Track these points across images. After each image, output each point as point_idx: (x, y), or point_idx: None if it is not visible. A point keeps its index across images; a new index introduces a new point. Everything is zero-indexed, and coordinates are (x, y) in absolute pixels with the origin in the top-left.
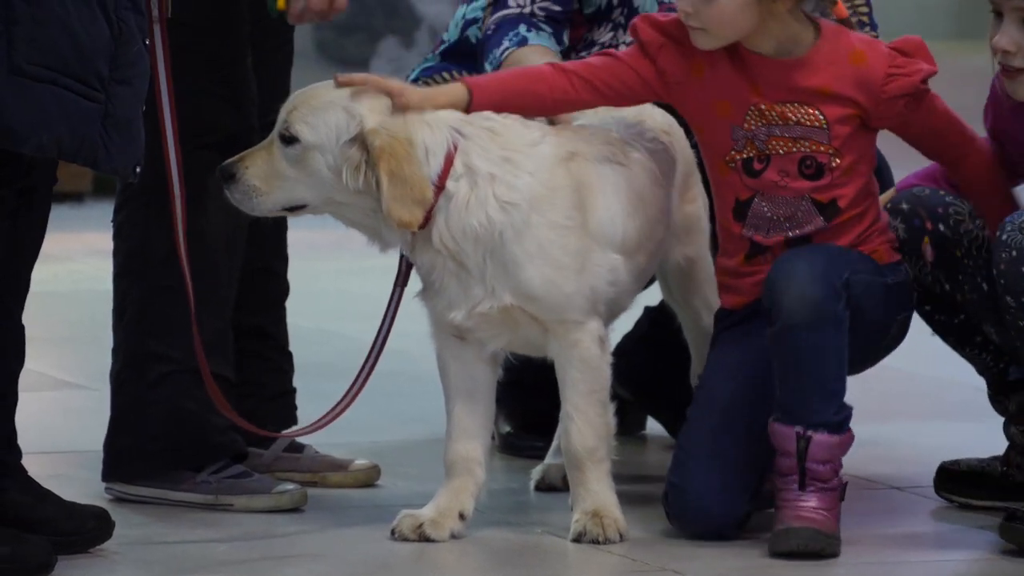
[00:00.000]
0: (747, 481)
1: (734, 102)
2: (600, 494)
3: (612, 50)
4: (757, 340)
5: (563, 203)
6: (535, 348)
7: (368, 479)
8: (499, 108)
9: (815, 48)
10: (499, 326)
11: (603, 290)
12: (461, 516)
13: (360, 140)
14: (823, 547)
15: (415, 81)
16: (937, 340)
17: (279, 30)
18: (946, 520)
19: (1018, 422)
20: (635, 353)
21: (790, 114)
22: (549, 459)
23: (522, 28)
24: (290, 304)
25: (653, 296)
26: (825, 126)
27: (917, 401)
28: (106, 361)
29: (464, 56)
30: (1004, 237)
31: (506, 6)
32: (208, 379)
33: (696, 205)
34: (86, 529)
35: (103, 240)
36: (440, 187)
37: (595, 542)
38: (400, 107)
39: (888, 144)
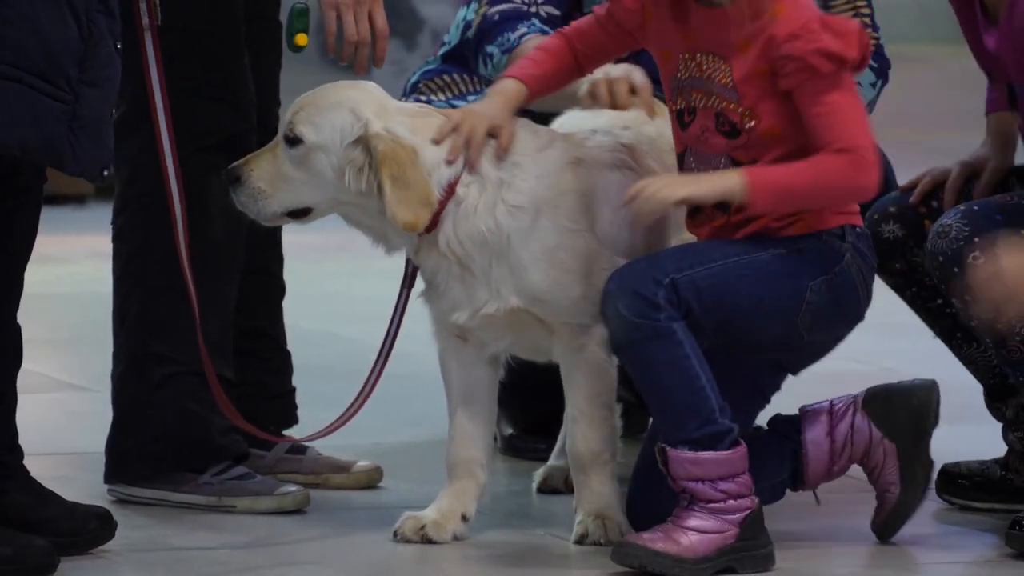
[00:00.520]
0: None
1: (671, 50)
2: (604, 496)
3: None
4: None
5: (570, 207)
6: (539, 351)
7: (370, 481)
8: (548, 89)
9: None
10: (504, 329)
11: None
12: (463, 518)
13: (364, 142)
14: (663, 571)
15: (416, 84)
16: (937, 343)
17: (271, 32)
18: (947, 522)
19: (1015, 428)
20: None
21: (705, 66)
22: (552, 461)
23: (536, 21)
24: (293, 306)
25: None
26: (731, 83)
27: None
28: (108, 363)
29: (465, 58)
30: (929, 247)
31: (509, 0)
32: (213, 382)
33: None
34: (88, 530)
35: (105, 242)
36: (450, 192)
37: (598, 544)
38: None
39: (891, 146)
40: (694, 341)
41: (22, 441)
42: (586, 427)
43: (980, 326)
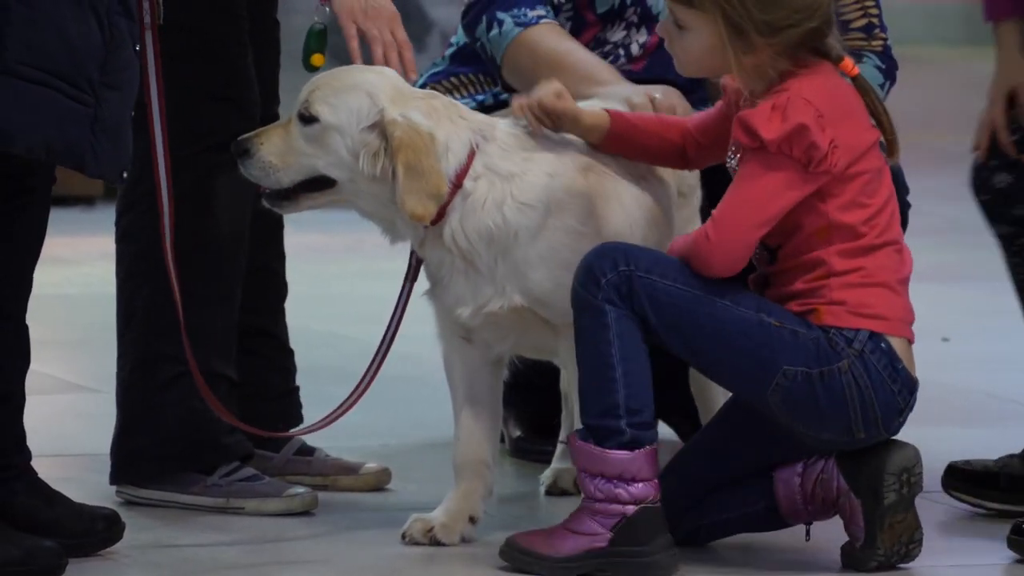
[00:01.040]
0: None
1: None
2: None
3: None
4: None
5: (580, 209)
6: (543, 351)
7: (378, 483)
8: (631, 138)
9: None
10: (507, 327)
11: None
12: (471, 520)
13: (380, 127)
14: (524, 568)
15: (423, 87)
16: (949, 346)
17: (269, 31)
18: (955, 525)
19: None
20: None
21: (731, 164)
22: (557, 463)
23: (541, 7)
24: (301, 308)
25: None
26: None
27: (923, 407)
28: (115, 364)
29: (472, 58)
30: None
31: None
32: (200, 382)
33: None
34: (96, 531)
35: (113, 244)
36: (457, 185)
37: None
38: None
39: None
40: (632, 333)
41: (30, 442)
42: None
43: None
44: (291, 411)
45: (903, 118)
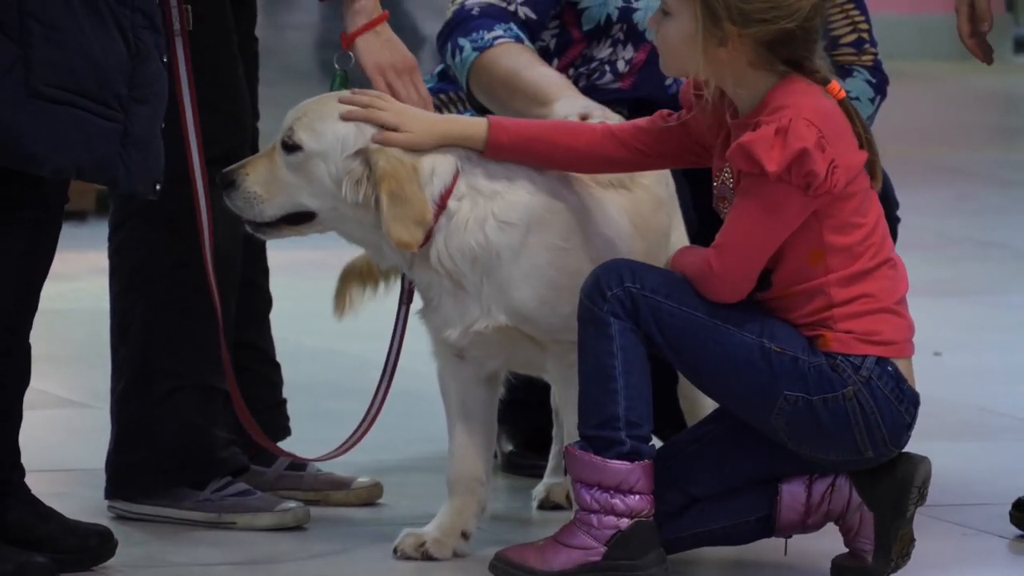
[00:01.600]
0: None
1: (717, 159)
2: None
3: (664, 111)
4: None
5: (561, 225)
6: (533, 367)
7: (370, 497)
8: (519, 149)
9: (755, 106)
10: (495, 345)
11: None
12: (464, 535)
13: (364, 155)
14: None
15: None
16: (940, 360)
17: (250, 46)
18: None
19: None
20: None
21: (723, 178)
22: (548, 478)
23: (514, 26)
24: (295, 324)
25: None
26: (730, 194)
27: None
28: (109, 379)
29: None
30: None
31: None
32: (236, 397)
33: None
34: (89, 547)
35: (106, 258)
36: (442, 206)
37: None
38: (398, 144)
39: (890, 162)
40: (635, 347)
41: (23, 457)
42: None
43: None
44: (279, 423)
45: (894, 132)
